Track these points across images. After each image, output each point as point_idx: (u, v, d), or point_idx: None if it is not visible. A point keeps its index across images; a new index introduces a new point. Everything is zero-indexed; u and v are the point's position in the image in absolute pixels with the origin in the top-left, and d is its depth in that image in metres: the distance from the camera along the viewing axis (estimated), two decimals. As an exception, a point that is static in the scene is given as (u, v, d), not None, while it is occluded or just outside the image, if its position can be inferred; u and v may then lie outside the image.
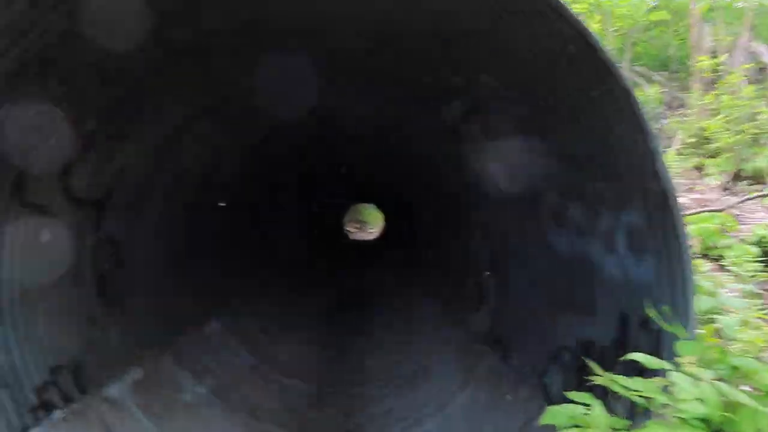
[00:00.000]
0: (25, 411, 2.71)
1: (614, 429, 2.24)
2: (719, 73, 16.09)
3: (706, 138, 14.35)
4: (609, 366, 2.46)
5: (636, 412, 2.35)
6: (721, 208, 10.04)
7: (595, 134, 2.88)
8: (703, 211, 9.55)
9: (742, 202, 10.45)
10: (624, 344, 2.85)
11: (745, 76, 15.45)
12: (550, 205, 3.63)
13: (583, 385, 2.50)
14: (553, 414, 2.31)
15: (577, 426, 2.23)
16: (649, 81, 19.45)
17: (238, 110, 4.86)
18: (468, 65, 3.28)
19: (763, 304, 5.06)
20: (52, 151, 3.11)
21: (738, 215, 9.78)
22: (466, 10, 2.76)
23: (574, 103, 2.84)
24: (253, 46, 3.36)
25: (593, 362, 2.40)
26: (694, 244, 8.07)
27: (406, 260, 12.07)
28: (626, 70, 17.47)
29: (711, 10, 19.10)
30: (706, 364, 2.37)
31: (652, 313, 2.55)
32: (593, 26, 15.76)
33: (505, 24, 2.69)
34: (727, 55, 16.61)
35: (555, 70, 2.75)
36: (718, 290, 4.27)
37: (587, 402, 2.29)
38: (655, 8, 21.43)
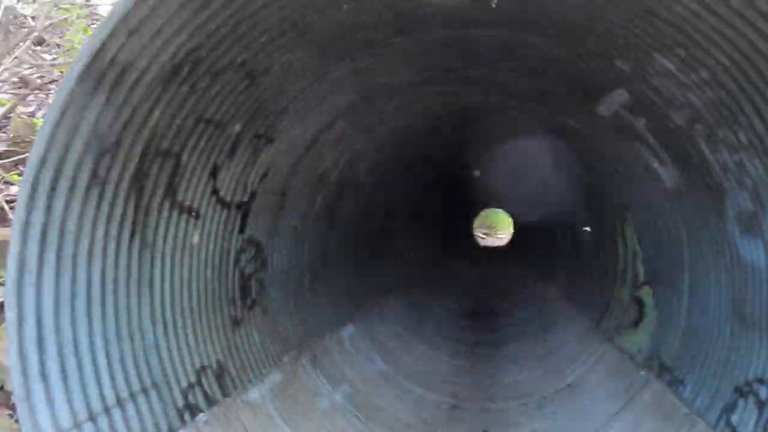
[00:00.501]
0: (172, 412, 2.70)
1: None
2: None
3: None
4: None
5: None
6: None
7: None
8: None
9: None
10: None
11: None
12: (738, 208, 3.08)
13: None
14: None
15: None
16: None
17: (377, 110, 4.74)
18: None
19: None
20: (202, 154, 3.12)
21: None
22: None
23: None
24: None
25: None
26: None
27: (542, 268, 11.46)
28: None
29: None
30: None
31: None
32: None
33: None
34: None
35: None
36: None
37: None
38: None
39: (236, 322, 3.73)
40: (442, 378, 6.39)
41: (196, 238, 3.28)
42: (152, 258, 2.88)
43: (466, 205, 17.38)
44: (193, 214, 3.21)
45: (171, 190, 2.94)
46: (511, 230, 21.59)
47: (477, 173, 11.15)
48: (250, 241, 4.03)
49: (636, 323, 4.99)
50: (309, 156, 4.65)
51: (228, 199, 3.57)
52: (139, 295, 2.76)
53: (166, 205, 2.93)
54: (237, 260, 3.83)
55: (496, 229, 26.94)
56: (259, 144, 3.73)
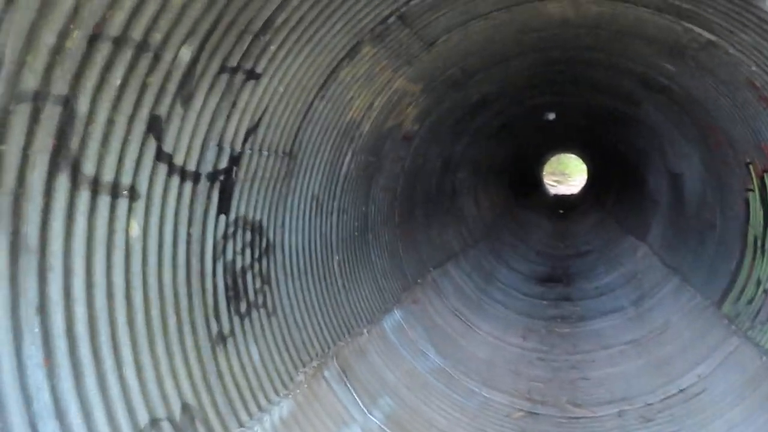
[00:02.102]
0: None
1: None
2: None
3: None
4: None
5: None
6: None
7: None
8: None
9: None
10: None
11: None
12: None
13: None
14: None
15: None
16: None
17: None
18: None
19: None
20: (121, 97, 1.97)
21: None
22: None
23: None
24: None
25: None
26: None
27: (628, 221, 9.91)
28: None
29: None
30: None
31: None
32: None
33: None
34: None
35: None
36: None
37: None
38: None
39: (220, 340, 2.64)
40: (513, 370, 5.20)
41: (135, 230, 2.18)
42: (42, 270, 1.80)
43: (536, 151, 15.71)
44: (124, 193, 2.09)
45: (66, 160, 1.81)
46: (585, 176, 19.71)
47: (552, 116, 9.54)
48: (240, 224, 2.90)
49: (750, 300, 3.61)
50: (326, 98, 3.43)
51: (190, 167, 2.42)
52: (16, 329, 1.69)
53: (61, 182, 1.81)
54: (219, 252, 2.72)
55: (569, 175, 24.99)
56: (235, 81, 2.53)
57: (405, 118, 4.78)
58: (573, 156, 20.80)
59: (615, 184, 12.52)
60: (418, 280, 5.67)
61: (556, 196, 19.74)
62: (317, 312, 3.60)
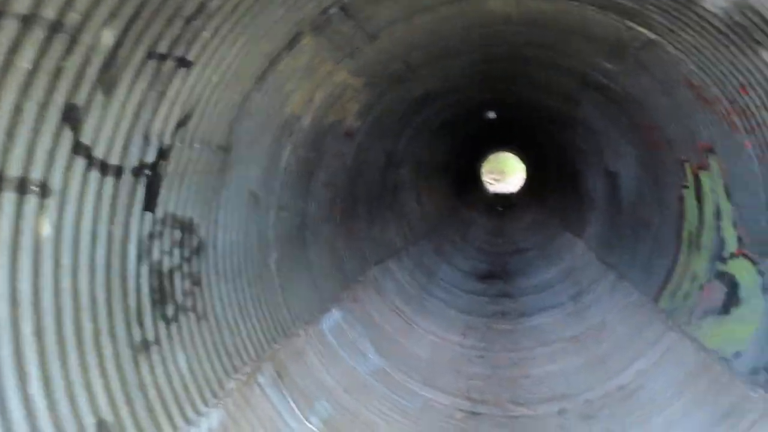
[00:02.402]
0: None
1: None
2: None
3: None
4: None
5: None
6: None
7: None
8: None
9: None
10: None
11: None
12: None
13: None
14: None
15: None
16: None
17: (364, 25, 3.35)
18: None
19: None
20: (31, 83, 1.76)
21: None
22: None
23: None
24: None
25: None
26: None
27: (566, 218, 10.13)
28: None
29: None
30: None
31: None
32: None
33: None
34: None
35: None
36: None
37: None
38: None
39: (143, 348, 2.44)
40: (454, 368, 5.17)
41: (46, 229, 1.96)
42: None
43: (476, 149, 15.90)
44: (34, 189, 1.87)
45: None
46: (523, 174, 20.16)
47: (492, 115, 9.60)
48: (169, 221, 2.69)
49: (726, 309, 3.70)
50: (264, 90, 3.25)
51: (112, 160, 2.21)
52: None
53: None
54: (144, 252, 2.51)
55: (507, 173, 25.48)
56: (164, 69, 2.33)
57: (347, 114, 4.65)
58: (511, 155, 21.23)
59: (553, 182, 12.80)
60: (359, 278, 5.56)
61: (495, 194, 20.07)
62: (252, 314, 3.42)
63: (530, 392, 4.69)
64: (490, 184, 22.41)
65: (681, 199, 4.85)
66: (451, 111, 8.12)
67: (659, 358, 4.15)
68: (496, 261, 10.00)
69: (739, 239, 3.73)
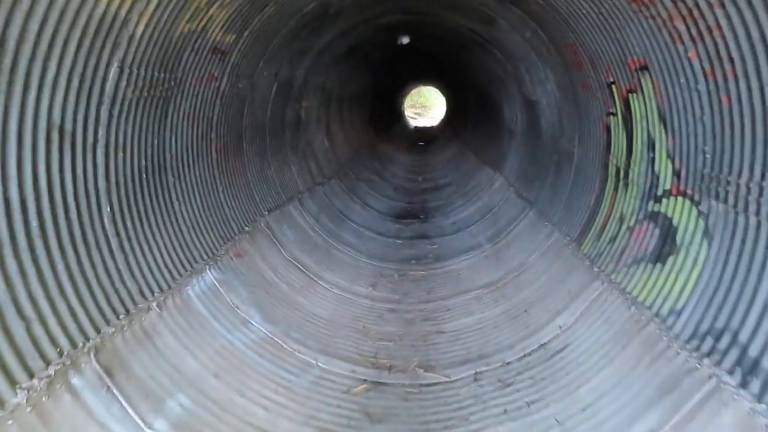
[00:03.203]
0: None
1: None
2: None
3: None
4: None
5: None
6: None
7: None
8: None
9: None
10: None
11: None
12: None
13: None
14: None
15: None
16: None
17: None
18: None
19: None
20: None
21: None
22: None
23: None
24: None
25: None
26: None
27: (484, 153, 9.51)
28: None
29: None
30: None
31: None
32: None
33: None
34: None
35: None
36: None
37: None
38: None
39: None
40: (359, 328, 4.45)
41: None
42: None
43: (395, 81, 14.91)
44: None
45: None
46: (444, 107, 19.34)
47: (406, 40, 8.63)
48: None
49: (660, 257, 3.10)
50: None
51: None
52: None
53: None
54: None
55: (429, 107, 24.69)
56: None
57: (209, 23, 3.61)
58: (433, 89, 20.39)
59: (472, 114, 12.14)
60: (246, 228, 4.67)
61: (416, 128, 19.35)
62: (67, 293, 2.50)
63: (443, 353, 4.05)
64: (413, 118, 21.63)
65: (607, 128, 4.20)
66: (358, 34, 7.12)
67: (584, 311, 3.57)
68: (414, 199, 9.32)
69: (677, 174, 3.10)
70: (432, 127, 19.17)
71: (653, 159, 3.41)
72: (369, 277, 5.57)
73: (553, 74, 5.30)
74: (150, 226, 3.35)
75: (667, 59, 3.02)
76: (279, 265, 4.79)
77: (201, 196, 4.05)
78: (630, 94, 3.65)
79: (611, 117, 4.09)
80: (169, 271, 3.39)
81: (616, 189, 3.98)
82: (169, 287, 3.32)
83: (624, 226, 3.68)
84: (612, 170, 4.10)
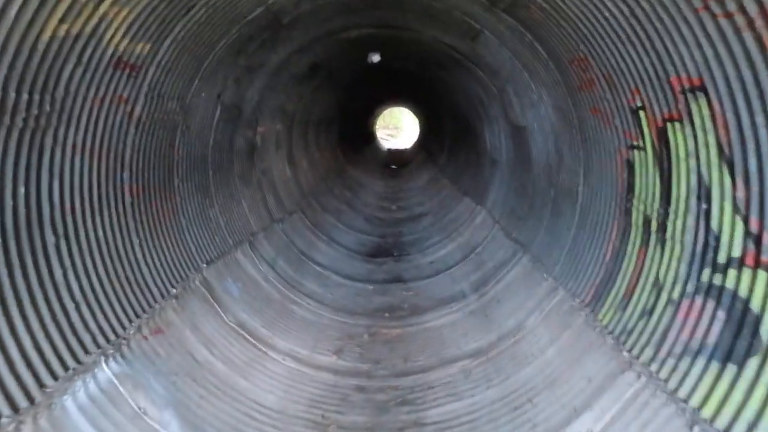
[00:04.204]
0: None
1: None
2: None
3: None
4: None
5: None
6: None
7: None
8: None
9: None
10: None
11: None
12: None
13: None
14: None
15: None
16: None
17: None
18: None
19: None
20: None
21: None
22: None
23: None
24: None
25: None
26: None
27: (465, 184, 8.59)
28: None
29: None
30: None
31: None
32: None
33: None
34: None
35: None
36: None
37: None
38: None
39: None
40: (317, 421, 3.43)
41: None
42: None
43: (366, 101, 14.00)
44: None
45: None
46: (418, 129, 18.35)
47: (377, 57, 7.70)
48: None
49: (732, 356, 2.16)
50: None
51: None
52: None
53: None
54: None
55: (401, 129, 23.83)
56: None
57: (103, 26, 2.59)
58: (405, 109, 19.56)
59: (449, 138, 11.26)
60: (173, 290, 3.61)
61: (389, 150, 18.46)
62: None
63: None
64: (385, 140, 20.75)
65: (629, 164, 3.28)
66: (321, 50, 6.16)
67: (616, 416, 2.59)
68: (387, 232, 8.32)
69: (754, 239, 2.17)
70: (405, 150, 18.30)
71: (707, 212, 2.48)
72: (333, 340, 4.54)
73: (549, 96, 4.40)
74: (12, 314, 2.28)
75: (741, 76, 2.11)
76: (216, 335, 3.73)
77: (103, 258, 2.98)
78: (669, 123, 2.73)
79: (635, 151, 3.18)
80: (37, 378, 2.32)
81: (644, 244, 3.05)
82: (33, 403, 2.24)
83: (663, 298, 2.74)
84: (637, 218, 3.17)
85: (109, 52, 2.76)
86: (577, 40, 3.29)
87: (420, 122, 17.15)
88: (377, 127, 19.43)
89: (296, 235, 6.44)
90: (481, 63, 5.57)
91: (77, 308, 2.69)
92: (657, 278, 2.84)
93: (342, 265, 6.47)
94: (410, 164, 15.08)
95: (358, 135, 14.92)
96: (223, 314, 3.97)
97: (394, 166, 15.08)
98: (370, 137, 17.69)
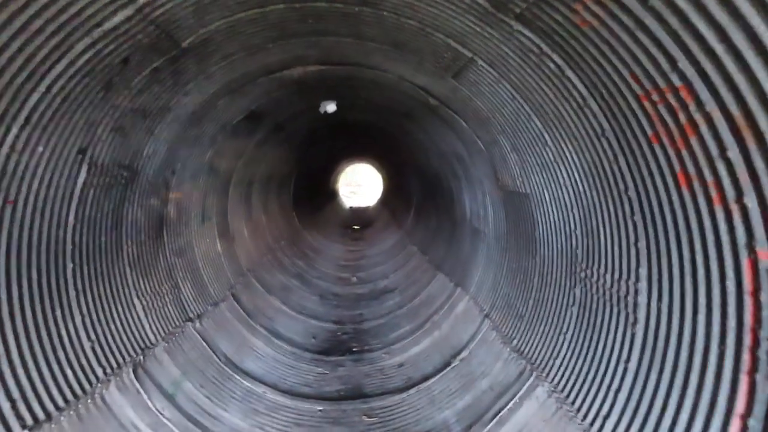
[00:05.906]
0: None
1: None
2: None
3: None
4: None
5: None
6: None
7: None
8: None
9: None
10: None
11: None
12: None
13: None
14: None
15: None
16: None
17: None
18: None
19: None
20: None
21: None
22: None
23: None
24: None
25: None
26: None
27: (432, 253, 7.05)
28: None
29: None
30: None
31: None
32: None
33: None
34: None
35: None
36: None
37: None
38: None
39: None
40: None
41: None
42: None
43: (324, 157, 12.49)
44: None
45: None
46: (381, 188, 16.89)
47: (331, 107, 6.20)
48: None
49: None
50: None
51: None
52: None
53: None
54: None
55: (363, 186, 22.43)
56: None
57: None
58: (368, 166, 18.20)
59: (417, 200, 9.79)
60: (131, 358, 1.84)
61: (352, 208, 16.95)
62: None
63: None
64: (347, 197, 19.25)
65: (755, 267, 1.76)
66: (258, 93, 4.62)
67: None
68: (345, 316, 6.63)
69: None
70: (368, 208, 16.81)
71: None
72: None
73: (580, 153, 2.92)
74: None
75: None
76: None
77: None
78: None
79: None
80: None
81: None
82: None
83: None
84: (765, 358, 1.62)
85: None
86: (668, 60, 1.81)
87: (383, 178, 15.75)
88: (339, 184, 17.96)
89: (221, 334, 4.70)
90: (465, 109, 4.11)
91: None
92: None
93: (282, 373, 4.74)
94: (374, 224, 13.54)
95: (318, 193, 13.37)
96: None
97: (356, 227, 13.52)
98: (332, 195, 16.17)
